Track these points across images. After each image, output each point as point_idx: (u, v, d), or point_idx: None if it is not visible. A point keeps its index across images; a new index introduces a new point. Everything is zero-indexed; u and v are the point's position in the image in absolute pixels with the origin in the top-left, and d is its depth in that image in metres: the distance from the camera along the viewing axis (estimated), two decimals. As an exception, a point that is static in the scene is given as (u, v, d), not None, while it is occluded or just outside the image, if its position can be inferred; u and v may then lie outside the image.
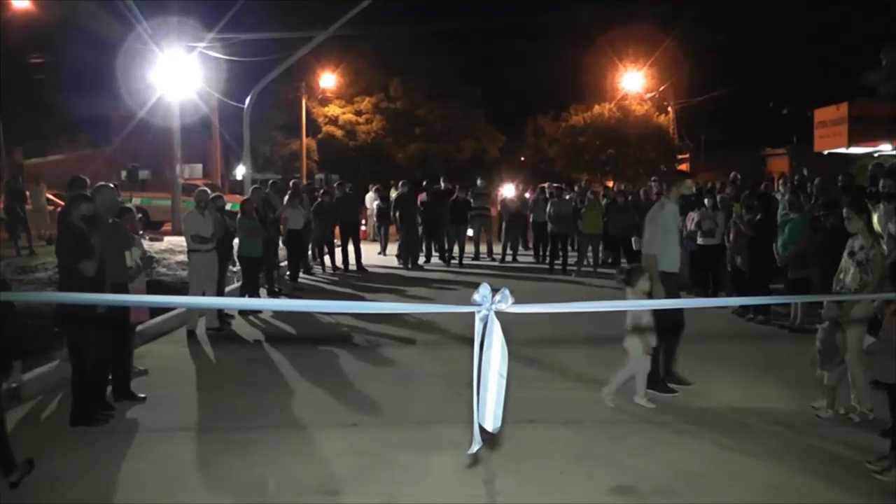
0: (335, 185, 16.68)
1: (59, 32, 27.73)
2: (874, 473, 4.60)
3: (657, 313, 5.96)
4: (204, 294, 8.37)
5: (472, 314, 2.24)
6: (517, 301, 2.26)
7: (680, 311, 6.43)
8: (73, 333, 5.51)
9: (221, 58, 19.19)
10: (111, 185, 6.39)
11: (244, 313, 9.55)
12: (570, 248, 14.60)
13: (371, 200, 18.99)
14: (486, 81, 38.06)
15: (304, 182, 19.62)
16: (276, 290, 11.27)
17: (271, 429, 5.56)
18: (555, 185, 16.34)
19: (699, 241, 10.36)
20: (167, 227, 19.87)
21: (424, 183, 16.99)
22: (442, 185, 16.54)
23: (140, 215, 7.95)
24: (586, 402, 6.14)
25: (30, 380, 6.14)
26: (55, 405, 5.99)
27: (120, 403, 5.97)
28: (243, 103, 15.03)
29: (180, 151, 19.80)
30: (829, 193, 9.71)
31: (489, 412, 2.24)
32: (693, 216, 10.48)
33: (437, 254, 15.60)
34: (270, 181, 14.95)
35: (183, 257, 11.89)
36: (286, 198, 12.29)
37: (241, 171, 25.82)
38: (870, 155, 17.74)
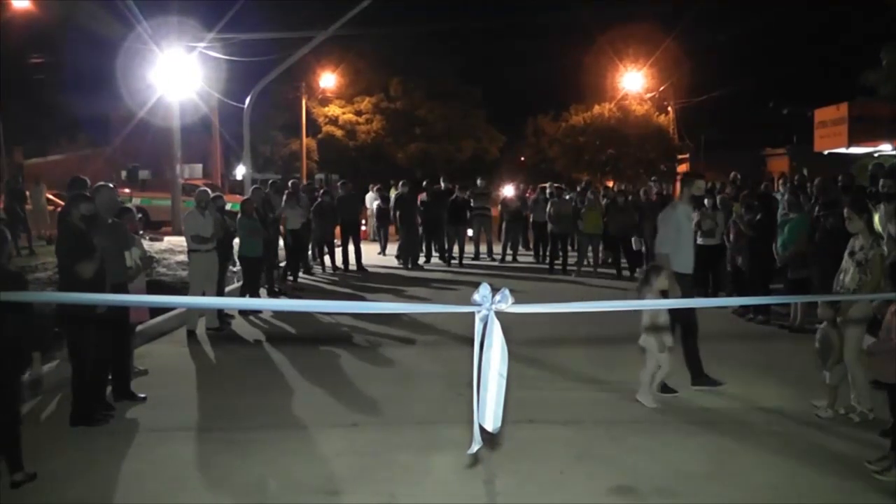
0: (339, 184, 16.65)
1: (59, 32, 27.75)
2: (874, 473, 4.60)
3: (671, 313, 6.00)
4: (204, 294, 8.37)
5: (472, 314, 2.24)
6: (517, 301, 2.26)
7: (693, 311, 6.45)
8: (73, 333, 5.51)
9: (221, 58, 19.20)
10: (111, 186, 6.40)
11: (244, 313, 9.55)
12: (570, 248, 14.61)
13: (371, 200, 19.00)
14: (486, 81, 38.16)
15: (304, 182, 19.57)
16: (276, 290, 11.27)
17: (271, 429, 5.56)
18: (555, 185, 16.35)
19: (699, 241, 10.34)
20: (167, 228, 19.88)
21: (424, 183, 16.98)
22: (442, 185, 16.54)
23: (140, 215, 7.95)
24: (586, 402, 6.14)
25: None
26: (55, 405, 5.99)
27: (120, 403, 5.97)
28: (243, 103, 15.04)
29: (180, 151, 19.79)
30: (829, 193, 9.70)
31: (489, 412, 2.24)
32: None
33: (437, 254, 15.61)
34: (270, 181, 14.94)
35: (183, 257, 11.89)
36: (283, 198, 12.28)
37: (241, 171, 25.83)
38: (870, 155, 17.73)
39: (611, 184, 26.67)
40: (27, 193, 16.18)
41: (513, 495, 4.48)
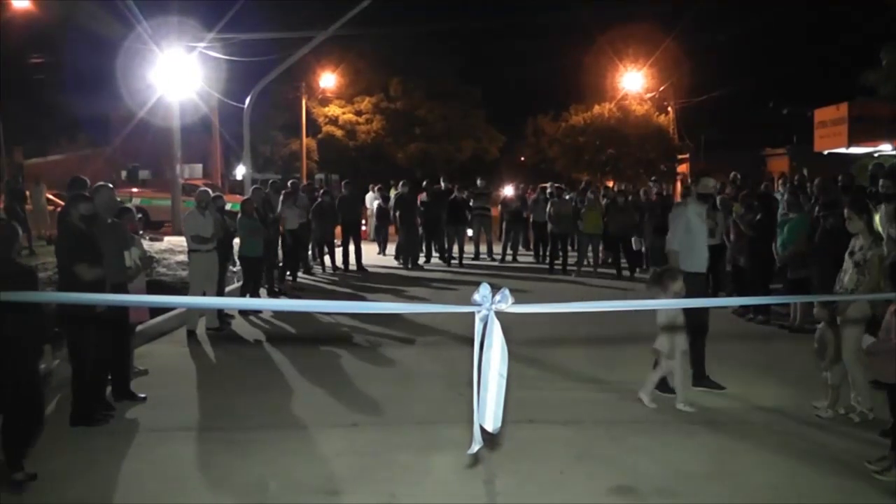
0: (343, 184, 16.62)
1: (59, 32, 27.75)
2: (874, 473, 4.60)
3: (686, 314, 5.98)
4: (204, 294, 8.37)
5: (472, 314, 2.24)
6: (517, 301, 2.26)
7: (706, 312, 6.43)
8: (73, 333, 5.51)
9: (221, 58, 19.19)
10: (110, 186, 6.40)
11: (244, 313, 9.55)
12: (570, 248, 14.61)
13: (371, 200, 19.00)
14: (486, 81, 38.12)
15: (304, 182, 19.56)
16: (277, 290, 11.27)
17: (271, 429, 5.56)
18: (555, 185, 16.35)
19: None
20: (167, 228, 19.87)
21: (424, 183, 16.98)
22: (442, 185, 16.54)
23: (140, 215, 7.95)
24: (586, 402, 6.14)
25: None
26: (55, 405, 5.98)
27: (120, 403, 5.97)
28: (243, 103, 15.04)
29: (180, 151, 19.76)
30: (829, 193, 9.70)
31: (489, 412, 2.24)
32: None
33: (437, 254, 15.61)
34: (270, 181, 14.94)
35: (183, 257, 11.88)
36: (281, 198, 12.23)
37: (241, 171, 25.81)
38: (870, 155, 17.72)
39: (611, 184, 26.65)
40: (27, 193, 16.17)
41: (513, 495, 4.48)
